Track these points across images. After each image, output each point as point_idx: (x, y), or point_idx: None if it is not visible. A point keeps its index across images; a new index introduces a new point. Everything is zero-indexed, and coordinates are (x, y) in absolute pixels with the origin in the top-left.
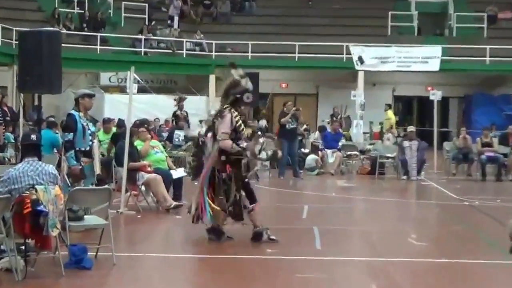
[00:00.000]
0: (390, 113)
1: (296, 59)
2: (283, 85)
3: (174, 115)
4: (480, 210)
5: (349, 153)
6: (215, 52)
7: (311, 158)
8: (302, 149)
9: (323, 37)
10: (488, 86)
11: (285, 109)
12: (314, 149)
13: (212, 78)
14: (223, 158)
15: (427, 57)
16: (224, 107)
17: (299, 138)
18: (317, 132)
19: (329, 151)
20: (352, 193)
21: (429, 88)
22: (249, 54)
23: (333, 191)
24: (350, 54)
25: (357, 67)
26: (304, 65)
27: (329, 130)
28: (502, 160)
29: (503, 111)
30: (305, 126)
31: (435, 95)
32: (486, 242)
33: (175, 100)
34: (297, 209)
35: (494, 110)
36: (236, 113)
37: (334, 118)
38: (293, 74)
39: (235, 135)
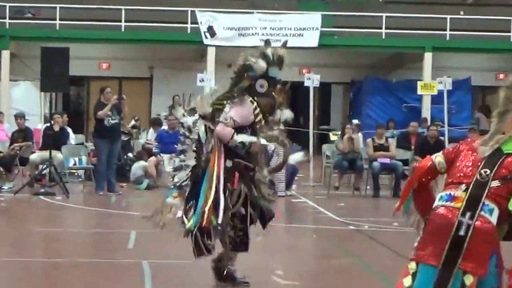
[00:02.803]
0: None
1: (122, 29)
2: (104, 66)
3: None
4: (371, 236)
5: None
6: (9, 18)
7: (137, 166)
8: (130, 154)
9: None
10: (384, 68)
11: (102, 97)
12: (144, 153)
13: (5, 55)
14: (228, 164)
15: (302, 28)
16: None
17: (125, 138)
18: (151, 129)
19: (165, 157)
20: None
21: (304, 71)
22: (57, 22)
23: None
24: (197, 23)
25: (206, 41)
26: (133, 38)
27: (165, 127)
28: (401, 169)
29: (405, 102)
30: (133, 122)
31: (312, 80)
32: (378, 279)
33: None
34: (121, 236)
35: (393, 101)
36: (256, 104)
37: (173, 111)
38: (118, 51)
39: (250, 133)
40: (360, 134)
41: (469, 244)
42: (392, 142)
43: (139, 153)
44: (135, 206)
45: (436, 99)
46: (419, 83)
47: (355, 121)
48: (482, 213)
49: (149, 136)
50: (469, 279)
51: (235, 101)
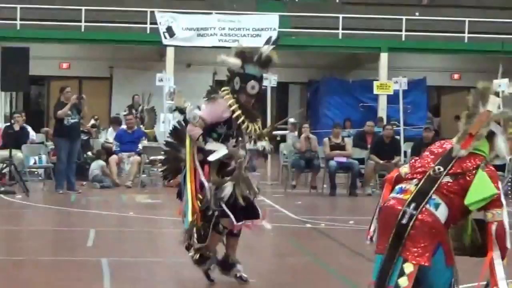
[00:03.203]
0: None
1: (82, 30)
2: (64, 65)
3: None
4: (328, 234)
5: (153, 158)
6: None
7: (95, 165)
8: (89, 152)
9: None
10: (341, 68)
11: (62, 97)
12: (103, 152)
13: None
14: (199, 157)
15: (260, 29)
16: (222, 90)
17: (84, 137)
18: (111, 128)
19: (125, 155)
20: (157, 212)
21: None
22: (18, 22)
23: (130, 210)
24: (156, 24)
25: (165, 42)
26: (93, 38)
27: (124, 126)
28: (357, 167)
29: (361, 102)
30: (92, 121)
31: (269, 80)
32: (335, 276)
33: None
34: (80, 234)
35: (349, 101)
36: (234, 100)
37: (134, 111)
38: (78, 51)
39: (226, 131)
40: (296, 133)
41: (411, 233)
42: (349, 141)
43: (98, 152)
44: (94, 204)
45: (392, 99)
46: (375, 83)
47: (291, 120)
48: (427, 206)
49: (108, 135)
50: (408, 268)
51: (208, 99)
